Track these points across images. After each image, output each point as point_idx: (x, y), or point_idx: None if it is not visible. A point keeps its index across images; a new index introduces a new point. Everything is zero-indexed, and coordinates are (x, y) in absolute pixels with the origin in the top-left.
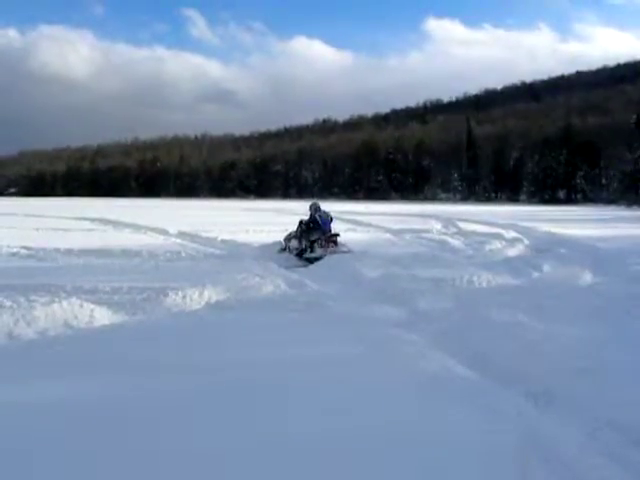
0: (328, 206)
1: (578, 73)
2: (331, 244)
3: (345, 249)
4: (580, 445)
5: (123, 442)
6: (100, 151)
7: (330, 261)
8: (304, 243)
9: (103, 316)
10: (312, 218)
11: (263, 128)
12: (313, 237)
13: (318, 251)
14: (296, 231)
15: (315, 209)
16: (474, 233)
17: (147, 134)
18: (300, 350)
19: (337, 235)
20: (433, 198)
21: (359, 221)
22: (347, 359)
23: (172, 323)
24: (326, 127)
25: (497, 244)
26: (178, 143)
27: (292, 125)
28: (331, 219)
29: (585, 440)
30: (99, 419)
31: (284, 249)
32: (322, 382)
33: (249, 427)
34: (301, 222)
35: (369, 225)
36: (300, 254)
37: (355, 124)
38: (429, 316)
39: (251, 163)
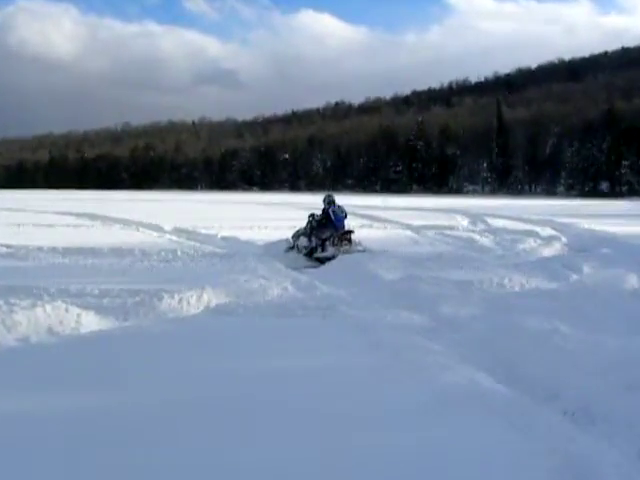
0: (341, 200)
1: (623, 49)
2: (344, 242)
3: (360, 248)
4: (624, 470)
5: (106, 463)
6: (87, 139)
7: (343, 261)
8: (314, 241)
9: (91, 322)
10: (325, 213)
11: (268, 112)
12: (325, 234)
13: (330, 250)
14: (305, 227)
15: (329, 202)
16: (505, 230)
17: (139, 119)
18: (308, 361)
19: (351, 232)
20: (459, 191)
21: (376, 216)
22: (362, 371)
23: (167, 330)
24: (339, 111)
25: (531, 242)
26: (173, 129)
27: (300, 109)
28: (345, 215)
29: (629, 464)
30: (82, 437)
31: (292, 248)
32: (332, 397)
33: (245, 451)
34: (311, 217)
35: (387, 221)
36: (310, 253)
37: (371, 108)
38: (454, 323)
39: (255, 151)
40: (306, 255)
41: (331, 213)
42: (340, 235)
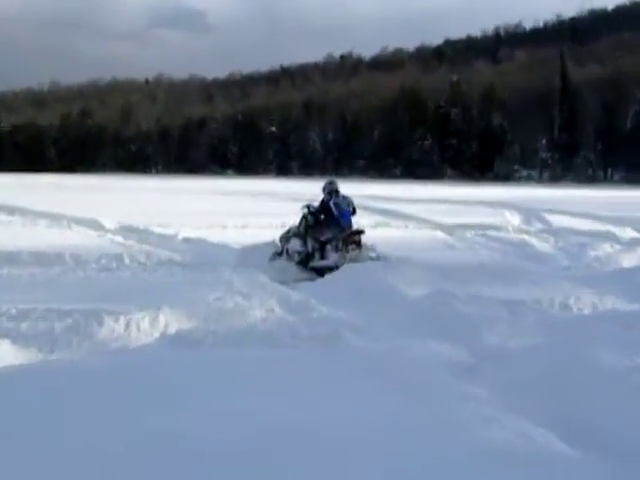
0: (347, 188)
1: None
2: (352, 246)
3: (373, 254)
4: None
5: None
6: (0, 102)
7: (350, 272)
8: (311, 244)
9: (5, 353)
10: (324, 205)
11: (248, 68)
12: (325, 236)
13: (332, 257)
14: (299, 226)
15: (330, 192)
16: (570, 231)
17: (72, 77)
18: (303, 413)
19: (361, 233)
20: (508, 177)
21: (395, 211)
22: (376, 426)
23: (108, 366)
24: (345, 67)
25: (607, 248)
26: (119, 90)
27: (293, 64)
28: (353, 209)
29: None
30: None
31: (280, 254)
32: (336, 466)
33: None
34: (307, 210)
35: (410, 218)
36: (304, 261)
37: (389, 63)
38: (501, 358)
39: (230, 121)
40: (299, 264)
41: (332, 206)
42: (346, 237)
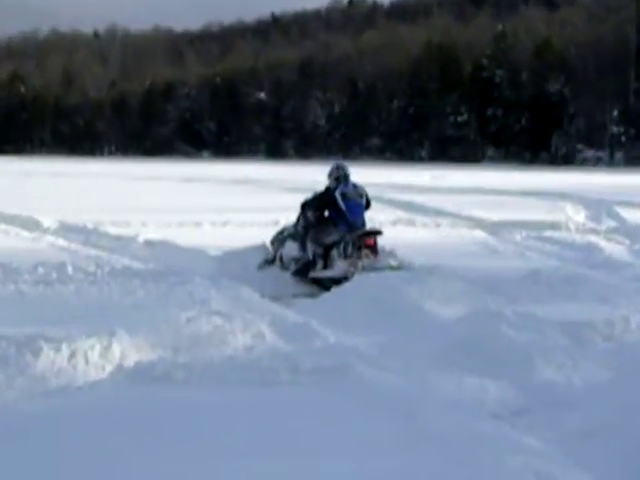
0: (359, 174)
1: None
2: (365, 251)
3: (393, 262)
4: None
5: None
6: None
7: (363, 286)
8: (311, 249)
9: None
10: (328, 196)
11: (229, 17)
12: (330, 237)
13: (339, 266)
14: (296, 225)
15: (337, 177)
16: None
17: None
18: (304, 471)
19: (377, 233)
20: (569, 159)
21: (421, 205)
22: None
23: (46, 410)
24: (355, 15)
25: None
26: (60, 47)
27: (287, 11)
28: (367, 202)
29: None
30: None
31: (272, 260)
32: None
33: None
34: (305, 205)
35: (441, 213)
36: (303, 270)
37: (413, 10)
38: (560, 399)
39: (206, 87)
40: (297, 274)
41: (338, 197)
42: (357, 238)
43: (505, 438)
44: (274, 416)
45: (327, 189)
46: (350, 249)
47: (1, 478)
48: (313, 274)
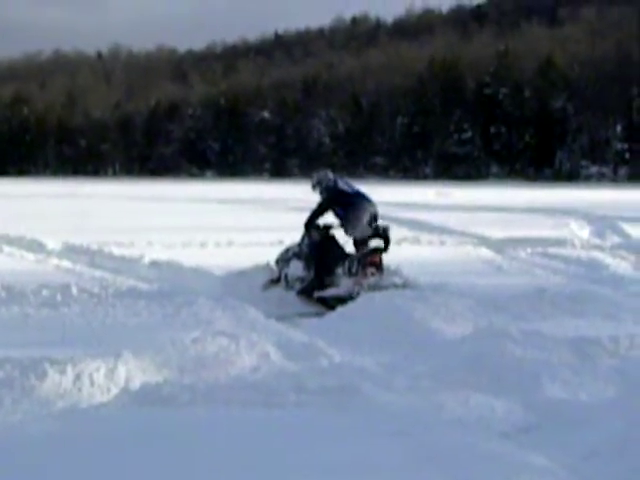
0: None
1: None
2: (371, 269)
3: (398, 280)
4: None
5: None
6: None
7: (369, 305)
8: (313, 268)
9: None
10: (334, 190)
11: (232, 37)
12: (335, 256)
13: (344, 284)
14: (300, 243)
15: (325, 181)
16: None
17: (1, 51)
18: None
19: (381, 251)
20: (574, 176)
21: (425, 222)
22: None
23: (52, 432)
24: (359, 34)
25: None
26: (64, 68)
27: (289, 30)
28: (374, 216)
29: None
30: None
31: (277, 280)
32: None
33: None
34: (312, 218)
35: (446, 231)
36: (308, 290)
37: (416, 28)
38: (568, 417)
39: (210, 107)
40: (302, 293)
41: (342, 184)
42: (363, 256)
43: (512, 457)
44: (280, 437)
45: (328, 188)
46: (355, 267)
47: None
48: (318, 293)
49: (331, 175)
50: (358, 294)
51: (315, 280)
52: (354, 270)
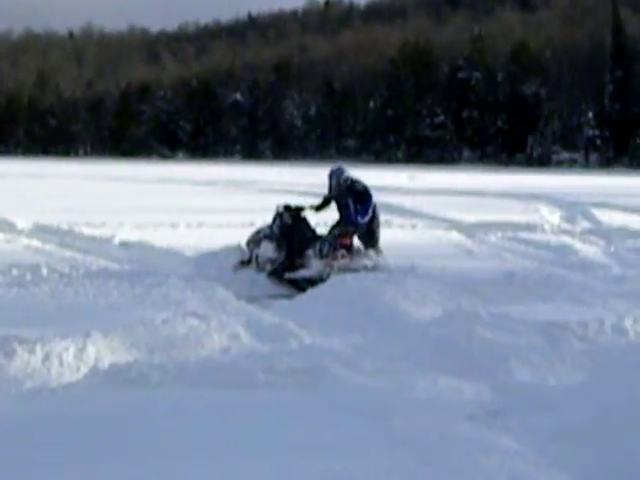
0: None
1: None
2: (342, 252)
3: (369, 262)
4: None
5: None
6: None
7: (339, 287)
8: (284, 250)
9: None
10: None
11: (205, 18)
12: (304, 238)
13: (315, 265)
14: (272, 225)
15: (345, 180)
16: (626, 232)
17: None
18: (276, 474)
19: (352, 233)
20: (545, 161)
21: (397, 206)
22: None
23: (20, 412)
24: (331, 17)
25: None
26: (34, 47)
27: (263, 12)
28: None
29: None
30: None
31: (248, 261)
32: None
33: None
34: (280, 215)
35: (417, 214)
36: (279, 271)
37: (389, 11)
38: (536, 400)
39: (181, 88)
40: (273, 275)
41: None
42: (333, 238)
43: (481, 439)
44: (249, 417)
45: (340, 185)
46: (326, 249)
47: None
48: (288, 275)
49: (345, 175)
50: (328, 276)
51: (285, 261)
52: (325, 252)
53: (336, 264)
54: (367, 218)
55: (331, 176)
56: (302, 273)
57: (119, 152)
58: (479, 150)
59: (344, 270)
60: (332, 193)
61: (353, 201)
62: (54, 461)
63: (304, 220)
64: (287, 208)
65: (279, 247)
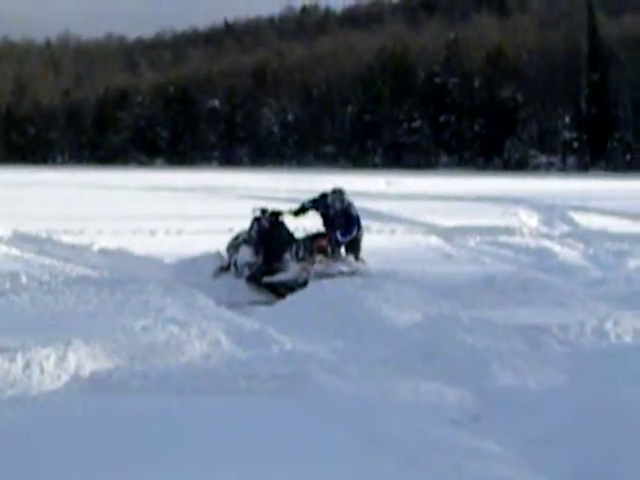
0: (313, 180)
1: None
2: (318, 257)
3: (345, 268)
4: None
5: None
6: None
7: (319, 293)
8: (261, 254)
9: None
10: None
11: (182, 25)
12: (281, 241)
13: (291, 269)
14: (250, 230)
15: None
16: (605, 235)
17: None
18: (257, 477)
19: (328, 236)
20: (522, 165)
21: (375, 211)
22: None
23: (1, 419)
24: (308, 23)
25: None
26: (11, 55)
27: (239, 18)
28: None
29: None
30: None
31: (227, 267)
32: None
33: None
34: (257, 219)
35: (395, 219)
36: (257, 276)
37: (366, 17)
38: (517, 404)
39: (159, 95)
40: (251, 279)
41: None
42: (309, 241)
43: (463, 443)
44: (231, 424)
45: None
46: (302, 252)
47: None
48: (266, 279)
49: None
50: (306, 281)
51: (263, 265)
52: (301, 255)
53: (312, 269)
54: (349, 237)
55: (333, 193)
56: (279, 277)
57: (97, 159)
58: (456, 155)
59: (320, 276)
60: (326, 211)
61: (344, 223)
62: (36, 468)
63: (282, 224)
64: (264, 212)
65: (257, 251)
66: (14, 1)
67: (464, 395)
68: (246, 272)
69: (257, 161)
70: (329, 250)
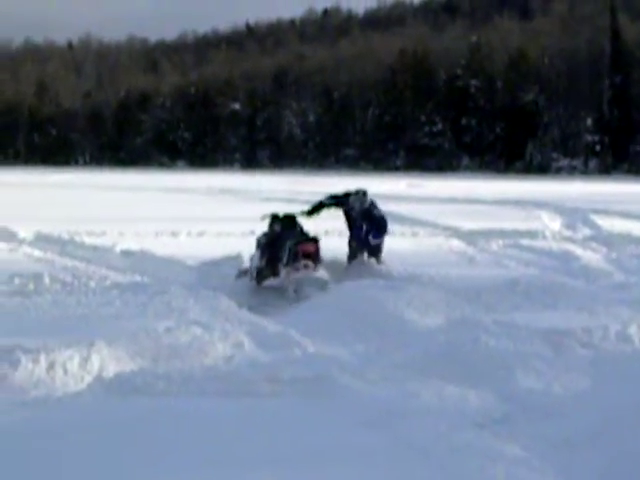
0: (335, 183)
1: None
2: (304, 261)
3: (323, 276)
4: None
5: None
6: None
7: (342, 295)
8: (266, 257)
9: None
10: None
11: (204, 27)
12: (280, 245)
13: (282, 274)
14: (268, 233)
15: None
16: (628, 238)
17: None
18: None
19: (317, 240)
20: (544, 168)
21: (397, 214)
22: None
23: (24, 422)
24: (330, 26)
25: None
26: (34, 58)
27: (260, 20)
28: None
29: None
30: None
31: (247, 270)
32: None
33: None
34: (272, 224)
35: (417, 222)
36: (259, 280)
37: (388, 20)
38: (540, 408)
39: (181, 97)
40: (257, 282)
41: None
42: (294, 245)
43: (487, 447)
44: (253, 427)
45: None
46: (286, 257)
47: None
48: (264, 283)
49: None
50: (292, 286)
51: (265, 269)
52: (285, 260)
53: (294, 275)
54: (377, 241)
55: (355, 194)
56: (272, 281)
57: (118, 161)
58: (478, 158)
59: (300, 282)
60: (350, 210)
61: (368, 223)
62: (59, 469)
63: (295, 227)
64: (275, 217)
65: (262, 255)
66: (36, 3)
67: (487, 398)
68: (253, 275)
69: (278, 164)
70: (319, 255)
